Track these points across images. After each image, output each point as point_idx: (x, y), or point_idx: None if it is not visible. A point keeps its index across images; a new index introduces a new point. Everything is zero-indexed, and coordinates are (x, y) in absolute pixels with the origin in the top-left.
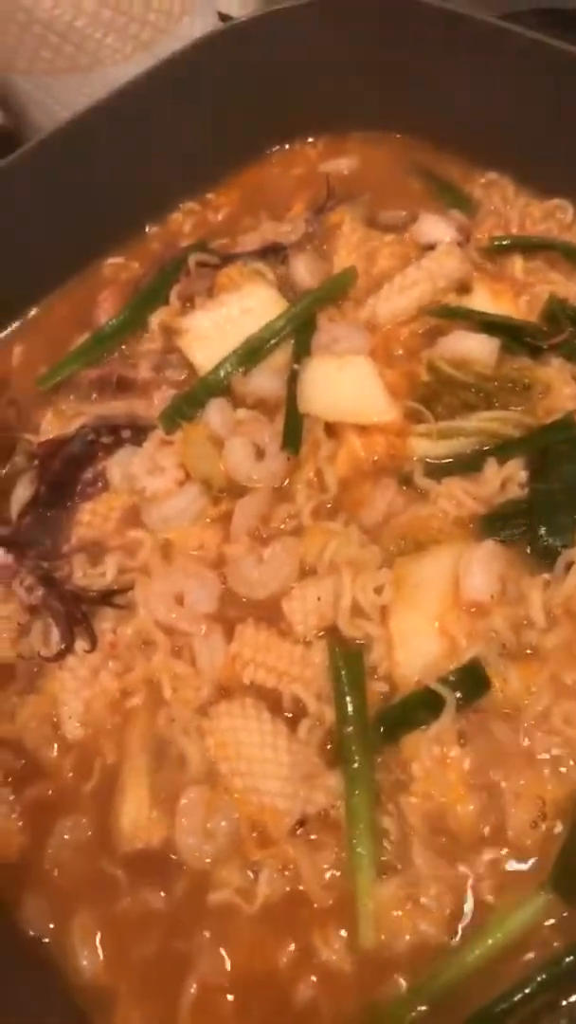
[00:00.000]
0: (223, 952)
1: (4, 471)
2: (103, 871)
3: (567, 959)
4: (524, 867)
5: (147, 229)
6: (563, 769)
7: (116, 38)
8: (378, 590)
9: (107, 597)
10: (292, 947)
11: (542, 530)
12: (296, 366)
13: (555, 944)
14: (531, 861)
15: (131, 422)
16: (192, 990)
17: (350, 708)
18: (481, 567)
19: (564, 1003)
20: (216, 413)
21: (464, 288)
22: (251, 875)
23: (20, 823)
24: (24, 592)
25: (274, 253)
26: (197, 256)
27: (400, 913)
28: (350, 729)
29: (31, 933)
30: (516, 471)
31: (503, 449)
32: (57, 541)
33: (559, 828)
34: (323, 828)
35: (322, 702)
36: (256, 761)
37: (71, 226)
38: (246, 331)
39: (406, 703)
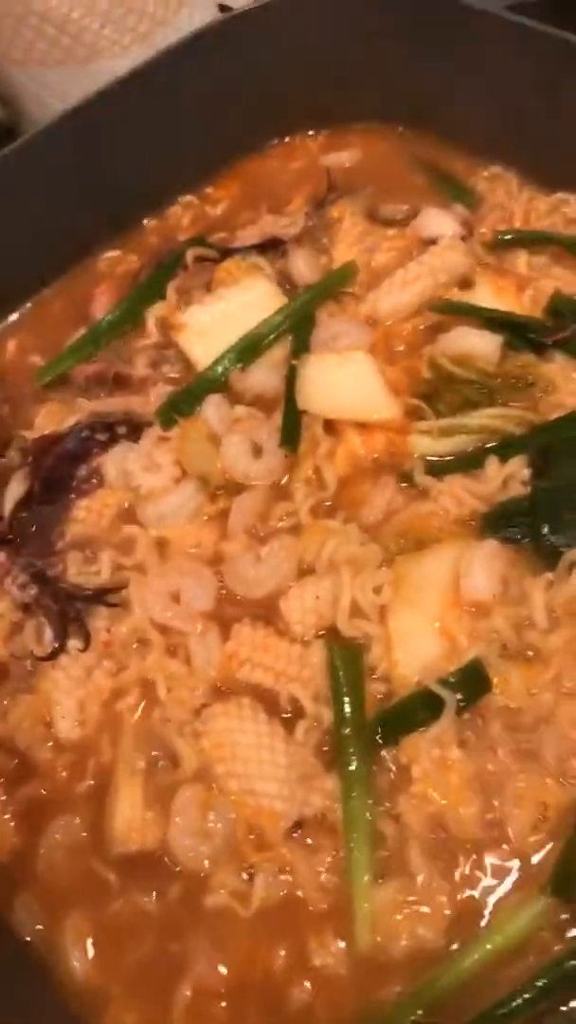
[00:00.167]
0: (218, 956)
1: None
2: (96, 872)
3: (568, 963)
4: (525, 871)
5: (145, 222)
6: (564, 771)
7: (113, 29)
8: (377, 589)
9: (101, 595)
10: (287, 951)
11: (545, 529)
12: (295, 362)
13: (555, 948)
14: (532, 864)
15: (127, 418)
16: (186, 993)
17: (348, 709)
18: (482, 566)
19: (564, 1008)
20: (213, 410)
21: (467, 283)
22: (246, 878)
23: (12, 823)
24: (17, 590)
25: (273, 247)
26: (195, 250)
27: (398, 917)
28: (348, 730)
29: (22, 935)
30: (519, 469)
31: (505, 446)
32: (51, 538)
33: (560, 832)
34: (320, 831)
35: (320, 703)
36: (252, 762)
37: (67, 219)
38: (244, 326)
39: (405, 704)
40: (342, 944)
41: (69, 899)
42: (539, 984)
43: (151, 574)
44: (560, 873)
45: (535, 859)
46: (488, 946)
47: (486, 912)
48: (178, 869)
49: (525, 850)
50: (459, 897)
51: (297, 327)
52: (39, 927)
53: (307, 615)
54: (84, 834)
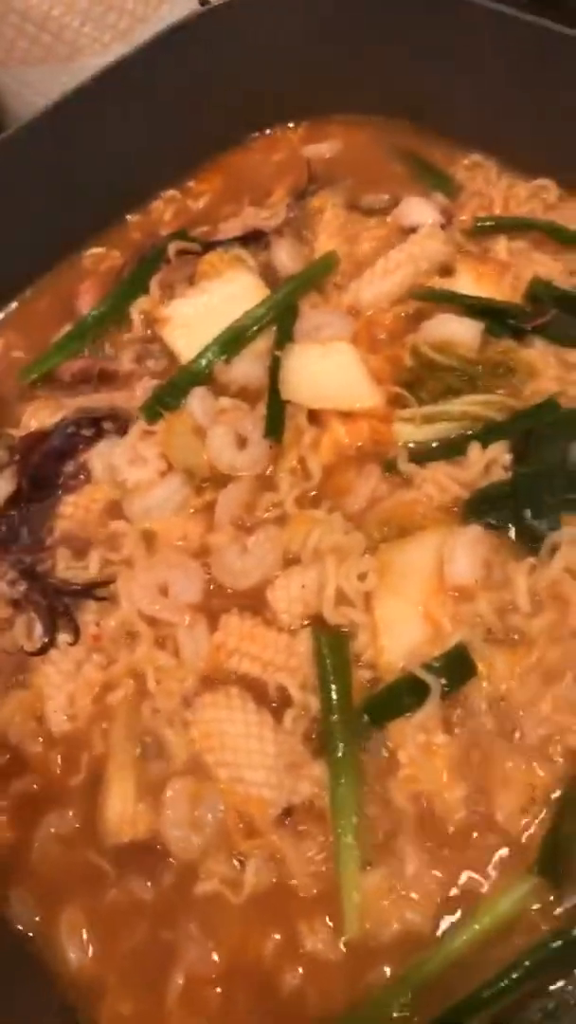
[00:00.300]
0: (210, 943)
1: None
2: (90, 864)
3: (554, 943)
4: (512, 853)
5: (128, 218)
6: (550, 754)
7: (94, 27)
8: (362, 577)
9: (89, 589)
10: (278, 937)
11: (527, 513)
12: (278, 353)
13: (543, 928)
14: (519, 846)
15: (113, 413)
16: (179, 981)
17: (335, 696)
18: (465, 551)
19: (552, 987)
20: (198, 402)
21: (447, 271)
22: (237, 866)
23: (5, 818)
24: (6, 586)
25: (255, 239)
26: (177, 244)
27: (387, 902)
28: (335, 717)
29: (18, 927)
30: (500, 454)
31: (487, 433)
32: (40, 535)
33: (546, 813)
34: (309, 818)
35: (307, 691)
36: (241, 751)
37: (50, 217)
38: (228, 319)
39: (391, 690)
40: (332, 929)
41: (63, 891)
42: (526, 964)
43: (139, 567)
44: (546, 854)
45: (522, 841)
46: (476, 927)
47: (474, 895)
48: (170, 858)
49: (512, 832)
50: (447, 881)
51: (280, 318)
52: (35, 919)
53: (293, 604)
54: (77, 826)
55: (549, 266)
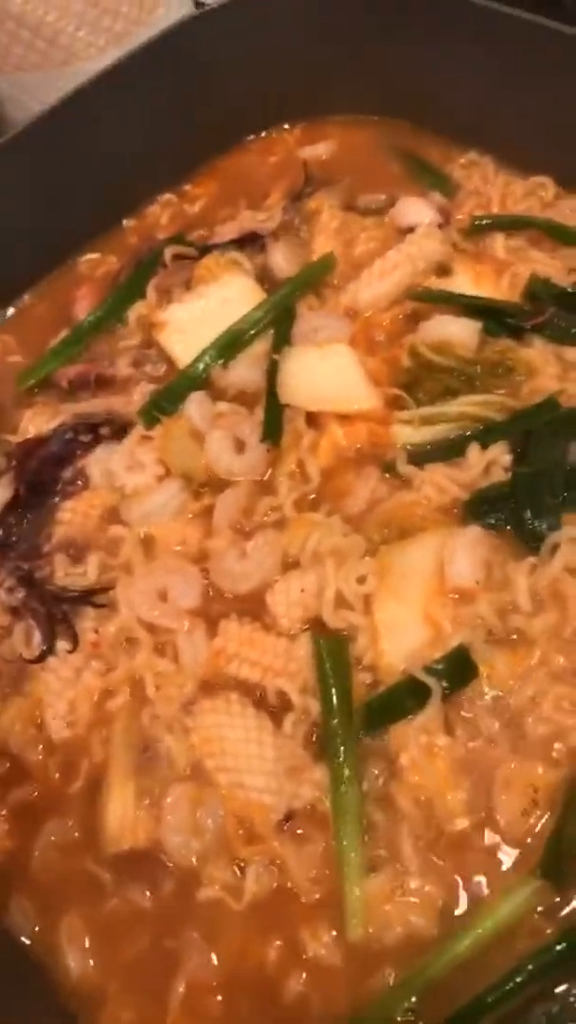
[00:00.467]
0: (211, 950)
1: None
2: (90, 872)
3: (558, 946)
4: (515, 855)
5: (124, 222)
6: (553, 755)
7: (89, 31)
8: (361, 580)
9: (88, 596)
10: (280, 943)
11: (527, 513)
12: (276, 356)
13: (547, 931)
14: (521, 848)
15: (110, 419)
16: (181, 988)
17: (335, 700)
18: (465, 553)
19: (557, 990)
20: (196, 407)
21: (445, 270)
22: (238, 872)
23: (6, 826)
24: (5, 594)
25: (252, 242)
26: (173, 248)
27: (389, 906)
28: (335, 721)
29: (18, 936)
30: (500, 455)
31: (486, 433)
32: (38, 541)
33: (549, 815)
34: (310, 822)
35: (307, 695)
36: (241, 757)
37: (47, 221)
38: (225, 322)
39: (392, 693)
40: (335, 934)
41: (64, 899)
42: (530, 968)
43: (137, 573)
44: (549, 856)
45: (525, 843)
46: (479, 931)
47: (477, 898)
48: (170, 865)
49: (514, 834)
50: (450, 884)
51: (277, 321)
52: (35, 928)
53: (292, 608)
54: (77, 834)
55: (547, 264)
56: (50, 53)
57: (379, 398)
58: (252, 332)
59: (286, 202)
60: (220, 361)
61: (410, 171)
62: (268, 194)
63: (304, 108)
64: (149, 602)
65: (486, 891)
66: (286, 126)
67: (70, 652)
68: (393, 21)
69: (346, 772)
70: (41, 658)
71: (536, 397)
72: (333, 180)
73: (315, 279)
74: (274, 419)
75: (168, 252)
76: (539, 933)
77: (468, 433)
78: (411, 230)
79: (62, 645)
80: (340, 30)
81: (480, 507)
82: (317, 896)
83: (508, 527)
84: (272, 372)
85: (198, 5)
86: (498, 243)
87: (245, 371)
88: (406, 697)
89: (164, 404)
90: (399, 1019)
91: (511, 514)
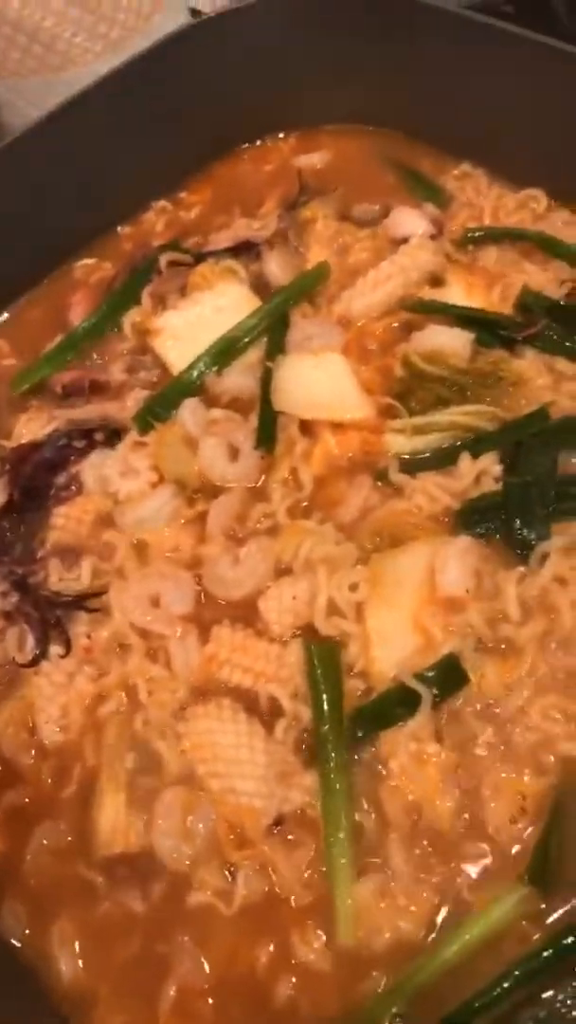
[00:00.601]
0: (202, 954)
1: None
2: (82, 876)
3: (545, 952)
4: (503, 862)
5: (119, 229)
6: (541, 763)
7: (85, 37)
8: (353, 587)
9: (81, 601)
10: (271, 947)
11: (517, 523)
12: (269, 363)
13: (534, 937)
14: (510, 855)
15: (104, 425)
16: (171, 992)
17: (326, 706)
18: (456, 562)
19: (544, 995)
20: (190, 413)
21: (438, 281)
22: (229, 876)
23: None
24: None
25: (247, 250)
26: (169, 255)
27: (379, 911)
28: (326, 727)
29: (10, 940)
30: (491, 465)
31: (478, 443)
32: (32, 546)
33: (537, 822)
34: (300, 827)
35: (298, 701)
36: (232, 762)
37: (43, 227)
38: (219, 330)
39: (382, 700)
40: (324, 939)
41: (55, 903)
42: (517, 973)
43: (130, 579)
44: (537, 863)
45: (513, 850)
46: (468, 937)
47: (466, 904)
48: (161, 870)
49: (503, 841)
50: (439, 889)
51: (271, 329)
52: (26, 932)
53: (284, 615)
54: (69, 838)
55: (539, 276)
56: (47, 59)
57: (372, 407)
58: (246, 339)
59: (281, 211)
60: (214, 368)
61: (404, 182)
62: (263, 202)
63: (299, 117)
64: (142, 607)
65: (474, 897)
66: (281, 135)
67: (63, 657)
68: (388, 34)
69: (336, 778)
70: (34, 662)
71: (527, 408)
72: (327, 189)
73: (309, 288)
74: (268, 426)
75: (163, 259)
76: (526, 939)
77: (460, 443)
78: (405, 241)
79: (55, 650)
80: (335, 41)
81: (471, 516)
82: (307, 901)
83: (498, 536)
84: (266, 379)
85: (194, 14)
86: (490, 255)
87: (239, 378)
88: (397, 704)
89: (158, 410)
90: None
91: (501, 523)
